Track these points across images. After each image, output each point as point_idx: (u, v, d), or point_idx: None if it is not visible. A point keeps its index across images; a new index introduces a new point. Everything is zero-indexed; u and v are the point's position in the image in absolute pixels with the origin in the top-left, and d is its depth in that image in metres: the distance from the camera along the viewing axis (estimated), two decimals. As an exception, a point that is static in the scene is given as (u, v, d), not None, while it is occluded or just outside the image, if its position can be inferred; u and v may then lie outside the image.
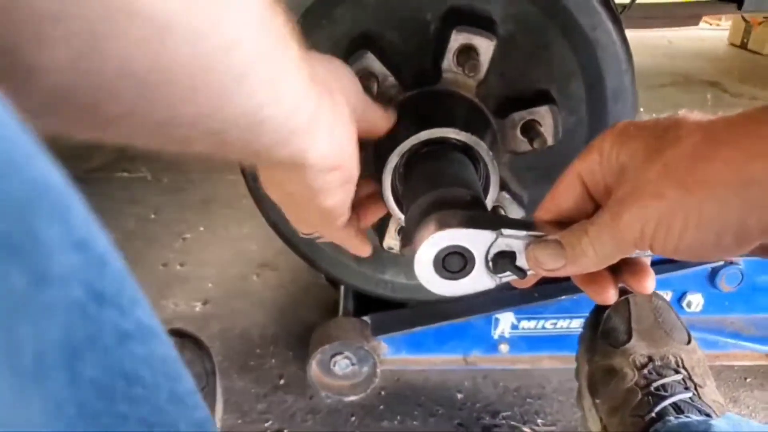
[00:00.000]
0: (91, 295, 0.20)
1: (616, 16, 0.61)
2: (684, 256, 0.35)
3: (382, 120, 0.52)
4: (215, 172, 1.54)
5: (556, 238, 0.39)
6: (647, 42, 2.87)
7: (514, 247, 0.41)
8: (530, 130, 0.62)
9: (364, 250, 0.56)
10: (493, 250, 0.41)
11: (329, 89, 0.41)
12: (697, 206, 0.32)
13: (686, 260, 0.39)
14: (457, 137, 0.56)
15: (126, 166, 1.58)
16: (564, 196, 0.41)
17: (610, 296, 0.42)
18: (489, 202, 0.59)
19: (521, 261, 0.41)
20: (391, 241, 0.68)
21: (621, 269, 0.42)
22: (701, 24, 2.76)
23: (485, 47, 0.58)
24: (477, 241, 0.41)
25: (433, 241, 0.41)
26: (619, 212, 0.35)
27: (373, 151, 0.63)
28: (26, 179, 0.18)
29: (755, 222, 0.31)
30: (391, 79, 0.59)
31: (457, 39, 0.58)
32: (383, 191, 0.59)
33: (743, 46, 2.97)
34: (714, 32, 3.25)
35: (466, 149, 0.58)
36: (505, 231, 0.41)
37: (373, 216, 0.58)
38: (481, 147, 0.56)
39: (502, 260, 0.41)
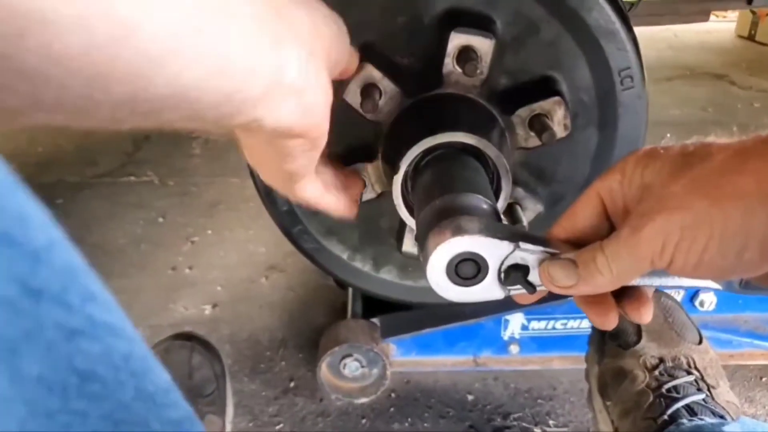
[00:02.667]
0: (24, 291, 0.19)
1: (622, 12, 0.61)
2: (704, 273, 0.35)
3: (352, 62, 0.50)
4: (222, 176, 1.54)
5: (571, 257, 0.39)
6: (653, 35, 2.84)
7: (529, 262, 0.41)
8: (538, 124, 0.61)
9: (339, 210, 0.53)
10: (508, 262, 0.41)
11: (307, 46, 0.37)
12: (722, 217, 0.32)
13: (705, 278, 0.38)
14: (464, 141, 0.56)
15: (133, 171, 1.59)
16: (581, 215, 0.41)
17: (611, 321, 0.41)
18: (501, 203, 0.59)
19: (533, 276, 0.41)
20: (410, 246, 0.68)
21: (621, 297, 0.42)
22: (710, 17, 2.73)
23: (485, 47, 0.57)
24: (494, 250, 0.41)
25: (451, 246, 0.41)
26: (640, 226, 0.35)
27: (382, 159, 0.63)
28: None
29: None
30: (393, 87, 0.59)
31: (456, 41, 0.57)
32: (394, 198, 0.59)
33: (751, 38, 2.94)
34: (721, 24, 3.22)
35: (475, 152, 0.57)
36: (523, 244, 0.41)
37: (351, 185, 0.55)
38: (489, 149, 0.56)
39: (515, 273, 0.41)
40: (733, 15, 3.21)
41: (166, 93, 0.28)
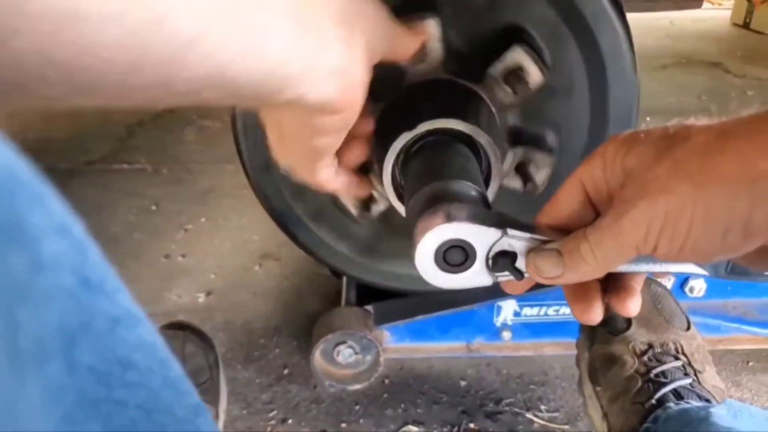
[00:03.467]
0: (81, 281, 0.20)
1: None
2: (689, 257, 0.35)
3: (409, 44, 0.51)
4: (215, 163, 1.53)
5: (555, 247, 0.39)
6: (648, 23, 2.84)
7: (516, 248, 0.41)
8: (513, 78, 0.60)
9: (352, 191, 0.54)
10: (495, 249, 0.41)
11: (348, 26, 0.38)
12: (706, 200, 0.32)
13: (690, 262, 0.38)
14: (448, 126, 0.56)
15: (125, 158, 1.58)
16: (565, 203, 0.41)
17: (596, 316, 0.41)
18: (492, 191, 0.59)
19: (521, 263, 0.41)
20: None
21: (608, 289, 0.42)
22: (704, 3, 2.73)
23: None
24: (481, 237, 0.41)
25: (439, 233, 0.41)
26: (624, 212, 0.35)
27: (374, 141, 0.62)
28: (1, 167, 0.18)
29: (762, 218, 0.31)
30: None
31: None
32: (384, 182, 0.59)
33: (746, 26, 2.94)
34: (716, 12, 3.21)
35: (462, 136, 0.57)
36: (510, 231, 0.41)
37: (356, 157, 0.55)
38: (480, 135, 0.56)
39: (503, 260, 0.41)
40: (728, 3, 3.20)
41: (201, 74, 0.29)
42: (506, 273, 0.42)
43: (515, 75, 0.60)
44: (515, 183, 0.64)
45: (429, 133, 0.56)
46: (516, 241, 0.41)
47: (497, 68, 0.60)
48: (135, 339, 0.22)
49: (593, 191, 0.40)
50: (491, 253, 0.41)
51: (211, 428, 0.28)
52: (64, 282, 0.19)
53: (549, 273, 0.39)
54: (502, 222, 0.41)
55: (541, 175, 0.65)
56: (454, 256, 0.42)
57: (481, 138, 0.56)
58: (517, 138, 0.65)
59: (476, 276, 0.42)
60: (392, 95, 0.60)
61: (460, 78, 0.61)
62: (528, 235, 0.41)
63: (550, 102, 0.64)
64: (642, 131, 0.37)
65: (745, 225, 0.32)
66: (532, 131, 0.66)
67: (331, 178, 0.50)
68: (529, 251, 0.40)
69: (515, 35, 0.60)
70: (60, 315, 0.19)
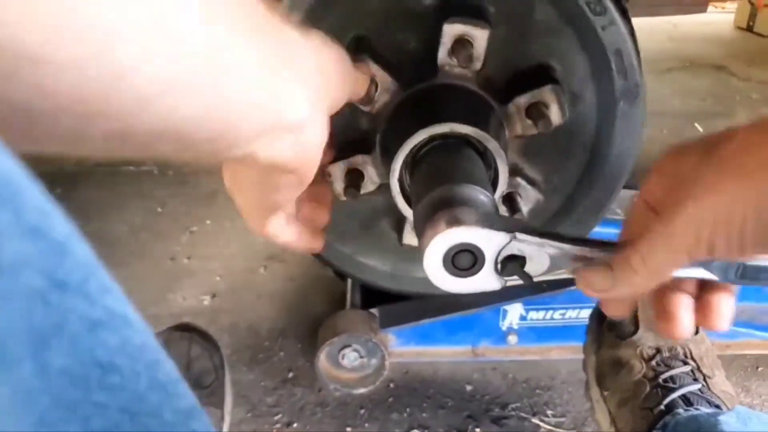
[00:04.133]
0: (51, 283, 0.19)
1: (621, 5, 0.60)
2: (753, 251, 0.34)
3: (362, 85, 0.51)
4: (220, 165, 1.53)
5: (606, 260, 0.39)
6: (652, 26, 2.83)
7: (525, 252, 0.41)
8: (535, 112, 0.61)
9: (300, 245, 0.52)
10: (504, 253, 0.41)
11: (311, 86, 0.37)
12: (753, 192, 0.32)
13: (758, 256, 0.38)
14: (462, 131, 0.56)
15: (131, 160, 1.58)
16: (636, 225, 0.41)
17: (685, 327, 0.40)
18: (498, 194, 0.59)
19: (531, 266, 0.41)
20: (410, 238, 0.68)
21: (697, 302, 0.41)
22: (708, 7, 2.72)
23: (480, 36, 0.57)
24: (490, 241, 0.41)
25: (448, 237, 0.41)
26: (672, 217, 0.34)
27: (380, 151, 0.62)
28: None
29: None
30: (389, 79, 0.59)
31: (450, 31, 0.57)
32: (392, 190, 0.59)
33: (749, 29, 2.94)
34: (720, 15, 3.21)
35: (472, 142, 0.57)
36: (519, 235, 0.41)
37: (314, 218, 0.53)
38: (487, 139, 0.56)
39: (512, 264, 0.41)
40: (731, 6, 3.20)
41: (159, 129, 0.29)
42: (515, 277, 0.42)
43: (537, 109, 0.60)
44: (533, 129, 0.64)
45: (440, 136, 0.56)
46: (525, 245, 0.41)
47: (524, 98, 0.61)
48: (119, 341, 0.22)
49: (657, 205, 0.39)
50: (500, 257, 0.41)
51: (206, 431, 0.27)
52: (29, 284, 0.19)
53: (599, 286, 0.39)
54: (511, 226, 0.41)
55: (526, 208, 0.66)
56: (463, 260, 0.42)
57: (490, 144, 0.56)
58: (512, 169, 0.65)
59: (485, 280, 0.42)
60: (378, 138, 0.61)
61: (485, 92, 0.61)
62: (538, 239, 0.40)
63: (549, 147, 0.66)
64: (689, 141, 0.38)
65: None
66: (527, 168, 0.67)
67: (280, 231, 0.49)
68: (579, 266, 0.40)
69: (550, 73, 0.62)
70: (26, 318, 0.18)
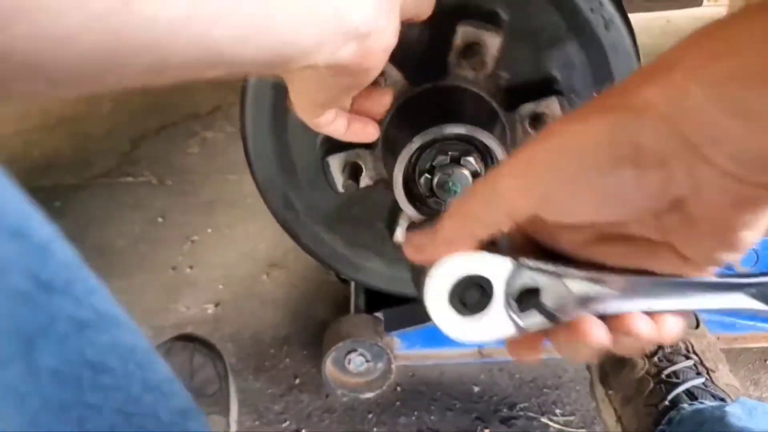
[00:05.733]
0: (36, 284, 0.19)
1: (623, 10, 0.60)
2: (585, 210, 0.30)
3: (427, 5, 0.48)
4: (219, 173, 1.53)
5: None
6: (645, 21, 2.83)
7: (540, 284, 0.33)
8: (538, 122, 0.61)
9: (359, 134, 0.51)
10: (517, 284, 0.34)
11: None
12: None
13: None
14: (469, 134, 0.56)
15: (130, 171, 1.58)
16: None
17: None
18: None
19: (547, 301, 0.33)
20: (401, 237, 0.67)
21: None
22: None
23: (491, 42, 0.57)
24: (494, 269, 0.33)
25: (445, 268, 0.33)
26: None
27: (382, 147, 0.62)
28: None
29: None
30: (398, 75, 0.58)
31: (463, 34, 0.57)
32: (394, 188, 0.59)
33: (745, 22, 2.94)
34: (713, 9, 3.21)
35: (476, 145, 0.57)
36: (524, 260, 0.33)
37: (372, 109, 0.52)
38: (494, 145, 0.56)
39: (529, 299, 0.33)
40: (725, 0, 3.20)
41: (194, 56, 0.27)
42: (535, 315, 0.34)
43: (541, 119, 0.61)
44: None
45: (447, 137, 0.56)
46: (538, 274, 0.33)
47: (529, 107, 0.61)
48: (108, 342, 0.22)
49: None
50: (513, 290, 0.34)
51: (202, 430, 0.27)
52: (14, 285, 0.18)
53: (417, 242, 0.35)
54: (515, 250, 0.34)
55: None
56: (470, 295, 0.34)
57: (497, 151, 0.57)
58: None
59: (499, 320, 0.34)
60: (381, 134, 0.61)
61: (492, 98, 0.61)
62: (552, 267, 0.33)
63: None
64: None
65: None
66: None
67: (328, 124, 0.48)
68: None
69: (555, 85, 0.62)
70: (12, 319, 0.18)
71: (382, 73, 0.57)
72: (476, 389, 0.91)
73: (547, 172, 0.28)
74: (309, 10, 0.31)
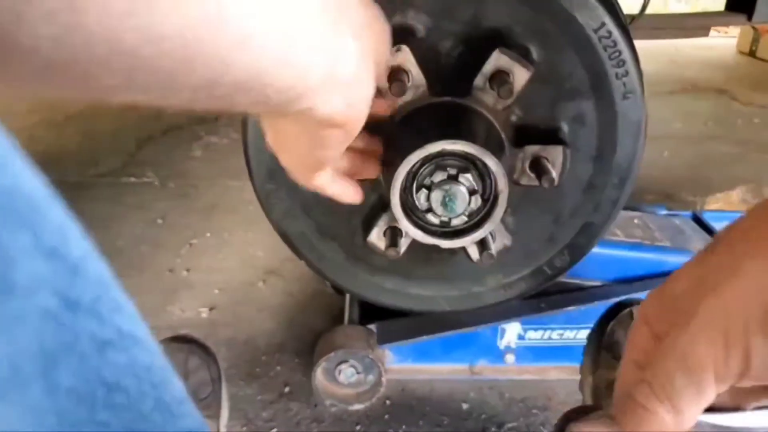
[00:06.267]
0: (64, 303, 0.19)
1: (633, 47, 0.61)
2: None
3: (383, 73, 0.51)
4: (221, 178, 1.54)
5: (605, 412, 0.30)
6: (654, 49, 2.86)
7: None
8: (539, 165, 0.62)
9: (345, 198, 0.55)
10: None
11: (361, 40, 0.37)
12: None
13: None
14: (478, 155, 0.56)
15: (133, 171, 1.59)
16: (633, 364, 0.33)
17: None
18: (485, 230, 0.60)
19: None
20: (376, 239, 0.67)
21: None
22: (710, 32, 2.75)
23: (520, 75, 0.58)
24: None
25: None
26: (683, 327, 0.27)
27: (385, 146, 0.62)
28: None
29: None
30: (422, 80, 0.59)
31: (497, 60, 0.58)
32: (391, 197, 0.59)
33: (752, 53, 2.96)
34: (722, 40, 3.24)
35: (478, 166, 0.58)
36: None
37: (367, 172, 0.59)
38: (499, 170, 0.57)
39: None
40: (734, 31, 3.22)
41: (242, 78, 0.29)
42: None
43: (542, 165, 0.62)
44: (532, 181, 0.64)
45: (455, 153, 0.57)
46: None
47: (534, 149, 0.62)
48: (126, 361, 0.22)
49: (648, 357, 0.31)
50: None
51: None
52: (43, 304, 0.19)
53: None
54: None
55: (495, 247, 0.66)
56: None
57: (500, 181, 0.57)
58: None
59: None
60: (387, 133, 0.62)
61: (503, 130, 0.62)
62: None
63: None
64: (668, 278, 0.32)
65: None
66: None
67: (327, 183, 0.51)
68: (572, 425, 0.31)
69: (562, 135, 0.63)
70: (38, 338, 0.18)
71: (406, 72, 0.58)
72: (465, 406, 0.91)
73: None
74: (317, 52, 0.33)
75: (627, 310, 0.78)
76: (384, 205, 0.64)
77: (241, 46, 0.28)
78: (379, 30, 0.42)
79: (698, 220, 1.08)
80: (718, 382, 0.26)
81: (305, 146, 0.44)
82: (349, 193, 0.55)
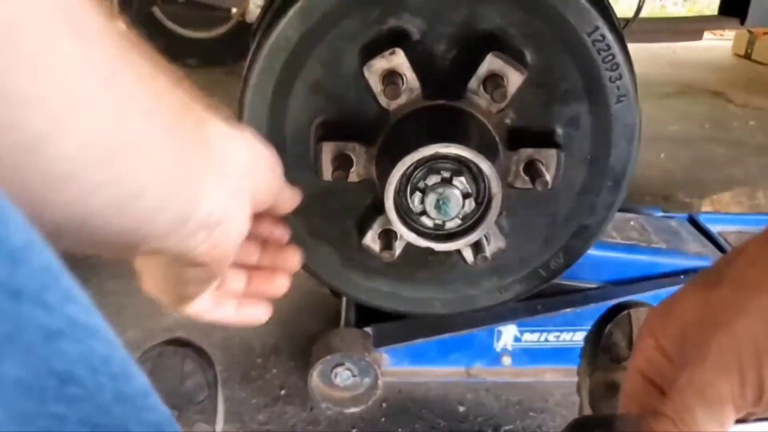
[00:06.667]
0: (5, 292, 0.19)
1: (627, 52, 0.62)
2: None
3: (291, 199, 0.48)
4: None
5: None
6: (651, 51, 2.87)
7: None
8: (533, 169, 0.62)
9: (241, 320, 0.49)
10: None
11: (230, 182, 0.36)
12: None
13: None
14: (472, 158, 0.56)
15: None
16: (632, 400, 0.34)
17: None
18: (477, 234, 0.60)
19: None
20: (371, 242, 0.67)
21: None
22: (705, 34, 2.77)
23: (514, 78, 0.58)
24: None
25: None
26: (700, 360, 0.28)
27: (379, 149, 0.62)
28: None
29: None
30: (416, 83, 0.59)
31: (491, 63, 0.58)
32: (385, 200, 0.59)
33: (747, 56, 2.97)
34: (718, 42, 3.25)
35: (471, 169, 0.58)
36: None
37: (273, 287, 0.51)
38: (493, 173, 0.57)
39: None
40: (730, 33, 3.24)
41: (64, 217, 0.27)
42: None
43: (536, 168, 0.61)
44: (526, 184, 0.64)
45: (448, 157, 0.57)
46: None
47: (528, 152, 0.62)
48: (80, 351, 0.22)
49: (657, 376, 0.33)
50: None
51: None
52: None
53: None
54: None
55: (490, 250, 0.66)
56: None
57: (493, 184, 0.57)
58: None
59: None
60: (382, 136, 0.61)
61: (497, 132, 0.62)
62: None
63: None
64: (680, 288, 0.33)
65: None
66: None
67: (207, 310, 0.46)
68: None
69: (556, 138, 0.63)
70: None
71: (401, 76, 0.58)
72: (462, 409, 0.91)
73: None
74: (167, 195, 0.32)
75: (624, 313, 0.78)
76: (378, 208, 0.63)
77: (60, 185, 0.26)
78: (266, 170, 0.40)
79: (694, 222, 1.09)
80: (736, 412, 0.28)
81: (166, 279, 0.42)
82: (244, 317, 0.48)
